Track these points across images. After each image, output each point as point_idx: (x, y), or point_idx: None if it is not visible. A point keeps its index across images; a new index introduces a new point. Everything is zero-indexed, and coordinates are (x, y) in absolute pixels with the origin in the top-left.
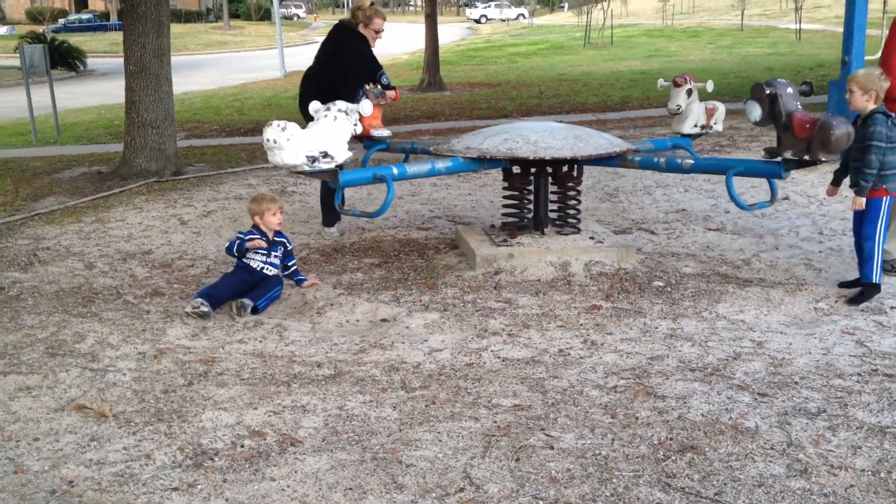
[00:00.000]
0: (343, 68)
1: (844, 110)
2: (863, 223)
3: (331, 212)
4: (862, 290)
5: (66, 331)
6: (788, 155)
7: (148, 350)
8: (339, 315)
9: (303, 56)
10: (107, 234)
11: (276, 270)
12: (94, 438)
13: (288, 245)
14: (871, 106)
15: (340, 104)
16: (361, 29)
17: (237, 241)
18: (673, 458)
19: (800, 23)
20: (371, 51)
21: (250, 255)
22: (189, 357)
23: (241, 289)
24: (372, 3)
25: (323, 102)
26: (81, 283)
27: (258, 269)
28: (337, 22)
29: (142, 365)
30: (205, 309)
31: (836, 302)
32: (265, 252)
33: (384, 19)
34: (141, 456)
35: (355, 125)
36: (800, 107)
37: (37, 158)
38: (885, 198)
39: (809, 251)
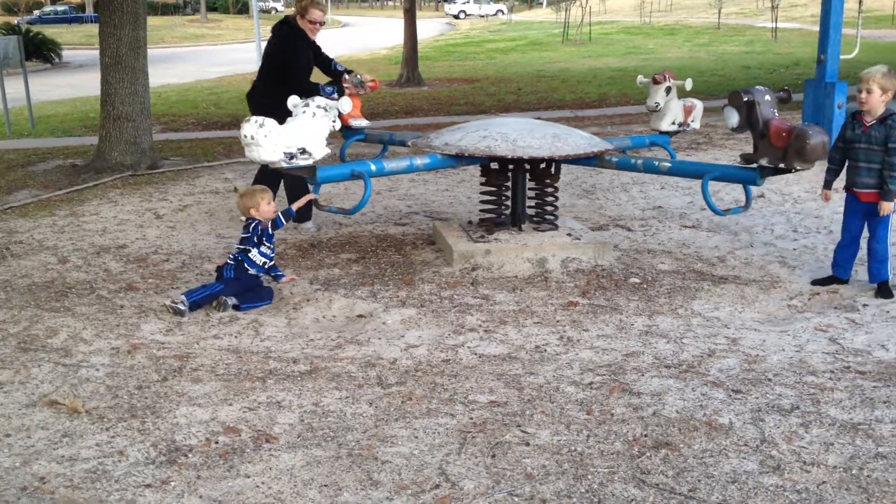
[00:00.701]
0: (281, 63)
1: (819, 107)
2: (877, 226)
3: (304, 207)
4: (882, 289)
5: (38, 325)
6: (764, 162)
7: (122, 345)
8: (316, 311)
9: None
10: (81, 227)
11: (270, 262)
12: (66, 434)
13: None
14: (883, 107)
15: (320, 100)
16: (299, 21)
17: (277, 215)
18: (648, 454)
19: (776, 21)
20: (310, 43)
21: (256, 252)
22: (163, 352)
23: (239, 291)
24: None
25: (267, 99)
26: (54, 278)
27: (262, 264)
28: (283, 17)
29: (115, 360)
30: (182, 308)
31: (809, 299)
32: (270, 245)
33: (322, 10)
34: (114, 452)
35: (334, 122)
36: (777, 114)
37: (10, 151)
38: None
39: (784, 249)
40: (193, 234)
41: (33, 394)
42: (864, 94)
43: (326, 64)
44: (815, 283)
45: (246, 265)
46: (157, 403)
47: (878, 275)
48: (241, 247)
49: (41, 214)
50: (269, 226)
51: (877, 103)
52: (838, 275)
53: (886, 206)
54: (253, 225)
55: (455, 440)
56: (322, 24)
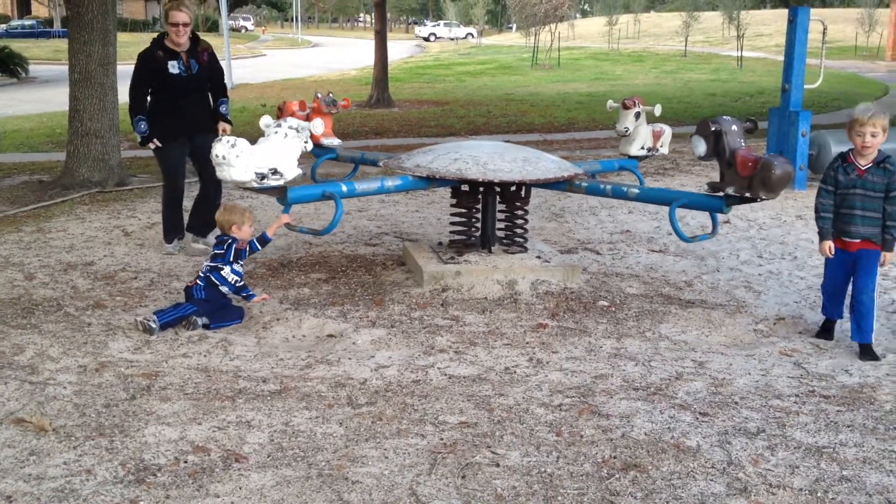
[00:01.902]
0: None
1: (784, 135)
2: (864, 276)
3: (171, 228)
4: (866, 351)
5: (4, 342)
6: (731, 191)
7: (89, 363)
8: (286, 330)
9: (250, 69)
10: (48, 244)
11: (241, 281)
12: (33, 453)
13: None
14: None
15: (292, 121)
16: (165, 25)
17: (252, 240)
18: (617, 476)
19: (741, 50)
20: (160, 60)
21: (228, 270)
22: (132, 371)
23: (210, 312)
24: None
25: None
26: (21, 294)
27: (234, 282)
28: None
29: (83, 378)
30: (153, 326)
31: (774, 324)
32: (242, 263)
33: (183, 11)
34: (81, 471)
35: (306, 143)
36: (744, 144)
37: None
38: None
39: (749, 274)
40: (162, 252)
41: None
42: (868, 138)
43: (216, 92)
44: (819, 335)
45: (217, 283)
46: (126, 422)
47: (864, 333)
48: (212, 264)
49: (7, 230)
50: (245, 247)
51: (878, 145)
52: (832, 315)
53: (889, 257)
54: (228, 242)
55: (425, 461)
56: (185, 24)
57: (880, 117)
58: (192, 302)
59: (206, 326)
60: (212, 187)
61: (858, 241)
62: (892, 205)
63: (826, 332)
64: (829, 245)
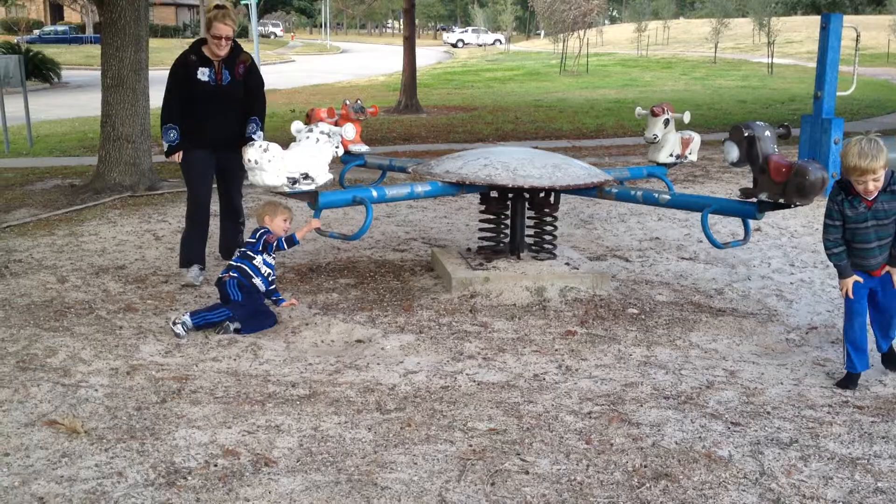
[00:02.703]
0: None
1: (816, 143)
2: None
3: (186, 251)
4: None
5: (37, 345)
6: (764, 197)
7: (121, 366)
8: (314, 335)
9: (280, 74)
10: (80, 247)
11: (273, 274)
12: (65, 454)
13: None
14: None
15: (323, 126)
16: (205, 33)
17: (280, 238)
18: (647, 485)
19: (772, 57)
20: (191, 65)
21: (260, 260)
22: (162, 374)
23: (244, 318)
24: (218, 6)
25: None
26: (53, 297)
27: (266, 275)
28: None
29: (114, 381)
30: (180, 331)
31: (806, 333)
32: (273, 255)
33: (226, 25)
34: (113, 473)
35: (337, 147)
36: (777, 150)
37: (9, 169)
38: None
39: (781, 282)
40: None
41: (32, 413)
42: (871, 185)
43: (251, 108)
44: (841, 385)
45: (250, 273)
46: (156, 425)
47: (889, 340)
48: (244, 250)
49: (40, 234)
50: (274, 241)
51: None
52: (862, 368)
53: None
54: (261, 232)
55: (454, 467)
56: (228, 38)
57: (880, 158)
58: (228, 307)
59: (237, 331)
60: (230, 212)
61: (878, 267)
62: None
63: (850, 383)
64: (851, 285)
